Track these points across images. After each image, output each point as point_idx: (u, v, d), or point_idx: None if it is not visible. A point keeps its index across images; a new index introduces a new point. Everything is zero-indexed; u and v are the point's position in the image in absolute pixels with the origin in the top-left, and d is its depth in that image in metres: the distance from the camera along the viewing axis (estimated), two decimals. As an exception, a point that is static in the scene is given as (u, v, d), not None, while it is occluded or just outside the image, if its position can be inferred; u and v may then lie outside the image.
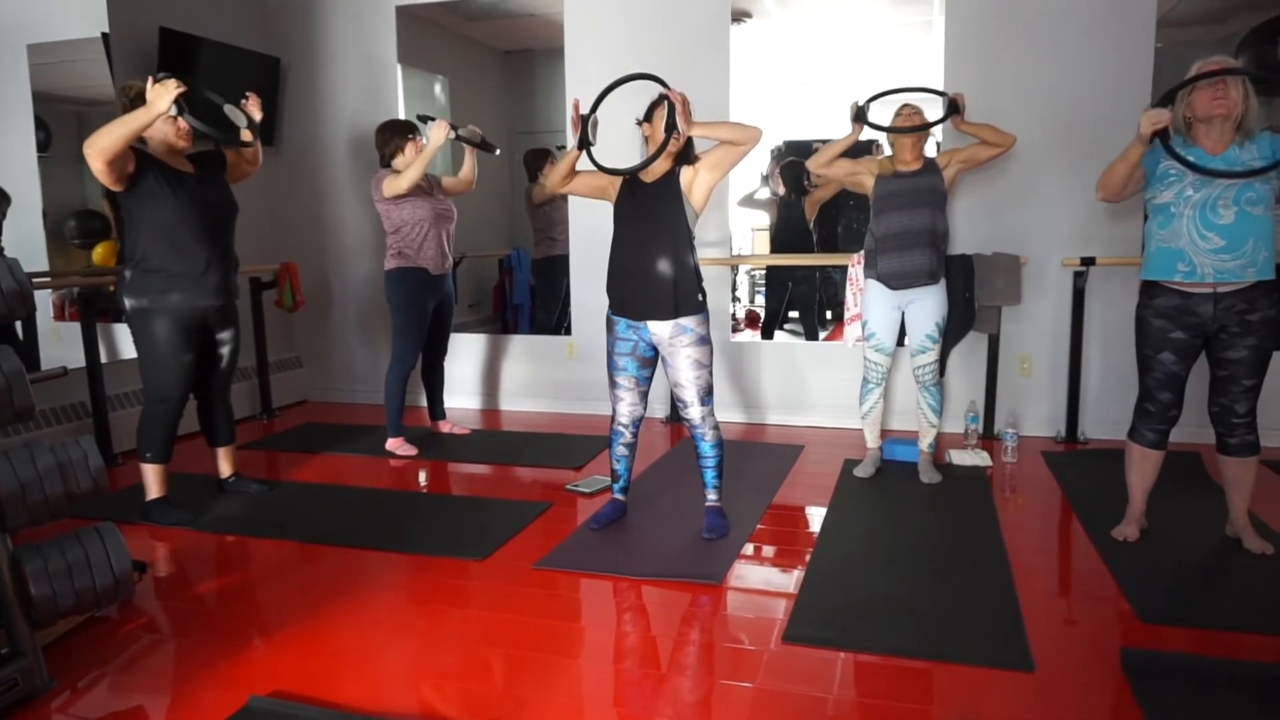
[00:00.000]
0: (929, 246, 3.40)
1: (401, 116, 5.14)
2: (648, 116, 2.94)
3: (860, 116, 3.52)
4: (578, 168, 2.92)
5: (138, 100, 3.00)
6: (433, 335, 4.26)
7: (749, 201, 6.42)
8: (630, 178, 2.94)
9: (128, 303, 3.09)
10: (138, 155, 3.02)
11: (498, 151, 4.25)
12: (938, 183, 3.43)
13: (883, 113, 3.60)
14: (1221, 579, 2.64)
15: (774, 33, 6.53)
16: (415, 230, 4.01)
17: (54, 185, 4.43)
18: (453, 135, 3.97)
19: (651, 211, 2.90)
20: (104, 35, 4.22)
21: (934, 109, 3.68)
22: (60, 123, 4.42)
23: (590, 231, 4.79)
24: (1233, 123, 2.52)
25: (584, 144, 2.80)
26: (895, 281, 3.47)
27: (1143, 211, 4.14)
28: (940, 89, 3.44)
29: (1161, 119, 2.49)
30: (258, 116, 3.30)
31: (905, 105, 3.48)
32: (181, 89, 2.86)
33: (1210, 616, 2.38)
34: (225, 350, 3.36)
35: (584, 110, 2.83)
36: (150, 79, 2.89)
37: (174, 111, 2.91)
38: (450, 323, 4.38)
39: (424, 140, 4.01)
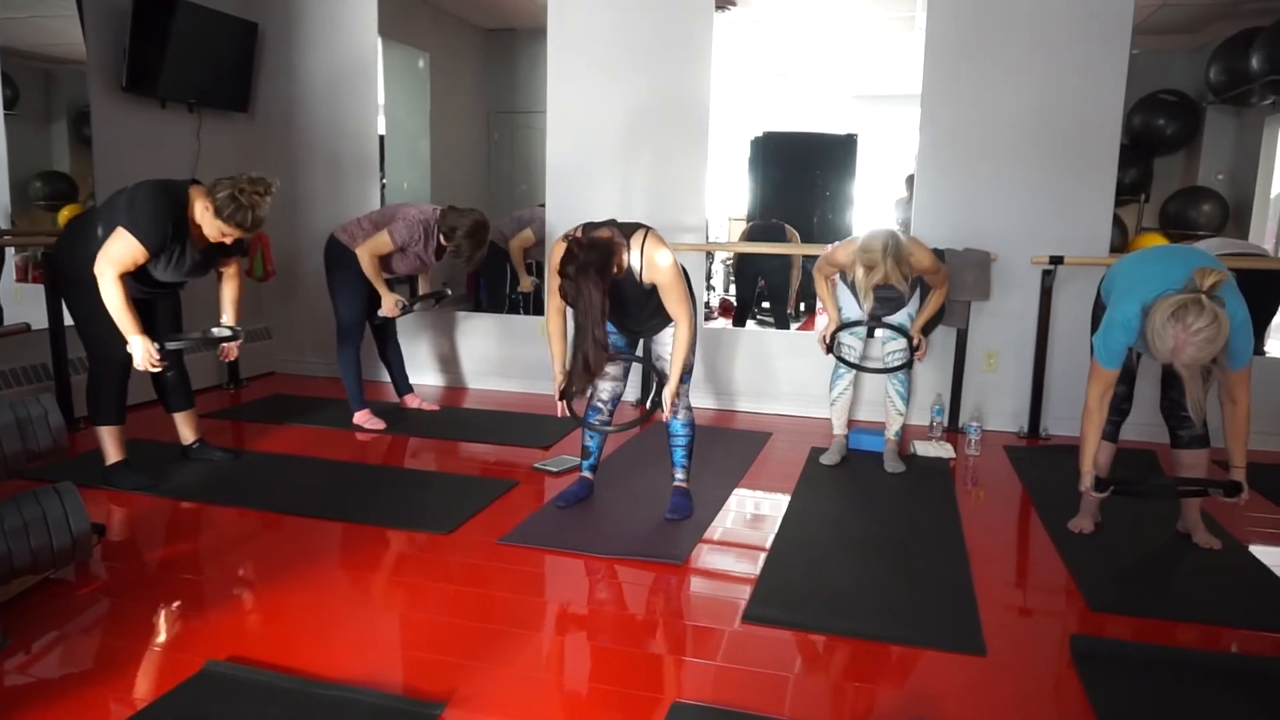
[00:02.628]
0: (902, 310, 3.54)
1: (380, 91, 5.11)
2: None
3: (830, 349, 3.58)
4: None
5: (234, 201, 2.94)
6: (375, 312, 4.24)
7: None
8: None
9: (100, 265, 3.02)
10: (176, 230, 3.00)
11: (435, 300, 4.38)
12: (907, 291, 3.43)
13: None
14: (1170, 572, 2.71)
15: (757, 22, 6.53)
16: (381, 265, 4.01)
17: (19, 145, 4.33)
18: (384, 313, 4.08)
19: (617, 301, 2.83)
20: (76, -9, 4.12)
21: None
22: (28, 80, 4.32)
23: (568, 208, 4.78)
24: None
25: (573, 413, 2.95)
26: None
27: (1111, 214, 4.23)
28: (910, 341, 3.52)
29: (1094, 501, 2.88)
30: (221, 346, 3.38)
31: (879, 275, 3.23)
32: (147, 368, 3.02)
33: (1157, 607, 2.45)
34: (163, 310, 3.32)
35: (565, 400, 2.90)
36: (155, 350, 3.01)
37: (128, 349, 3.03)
38: None
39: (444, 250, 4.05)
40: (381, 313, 4.06)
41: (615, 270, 2.69)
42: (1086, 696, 1.98)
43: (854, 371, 3.67)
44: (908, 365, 3.59)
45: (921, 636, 2.23)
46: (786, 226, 6.20)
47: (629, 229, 2.77)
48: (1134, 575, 2.66)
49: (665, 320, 2.93)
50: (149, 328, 3.28)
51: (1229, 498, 2.59)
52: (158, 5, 4.36)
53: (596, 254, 2.61)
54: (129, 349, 3.00)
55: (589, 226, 2.76)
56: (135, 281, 3.06)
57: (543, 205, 5.02)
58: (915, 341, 3.50)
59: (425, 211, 3.97)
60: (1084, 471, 2.70)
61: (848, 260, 3.36)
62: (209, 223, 2.99)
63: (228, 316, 3.35)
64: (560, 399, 2.89)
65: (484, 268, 5.76)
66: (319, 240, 5.27)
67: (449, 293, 4.40)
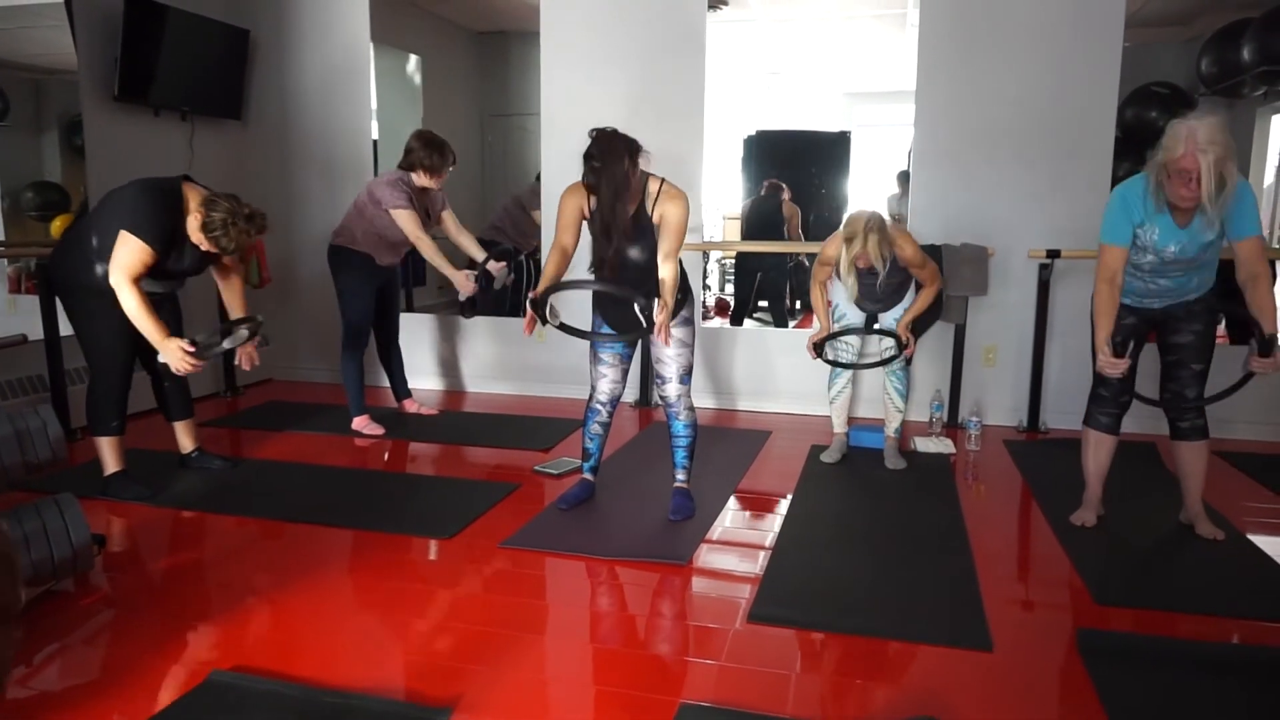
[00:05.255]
0: (897, 305, 3.55)
1: (373, 96, 5.09)
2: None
3: (818, 350, 3.52)
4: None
5: (229, 223, 2.96)
6: (381, 315, 4.23)
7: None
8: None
9: (99, 269, 3.01)
10: (174, 227, 3.00)
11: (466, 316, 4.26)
12: (903, 277, 3.44)
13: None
14: (1174, 563, 2.71)
15: (749, 21, 6.54)
16: (378, 237, 3.97)
17: (11, 155, 4.32)
18: (464, 296, 3.99)
19: (625, 243, 2.82)
20: (66, 1, 4.10)
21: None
22: (18, 91, 4.31)
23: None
24: (1194, 211, 2.52)
25: (545, 322, 2.73)
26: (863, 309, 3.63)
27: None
28: (894, 335, 3.49)
29: (1117, 371, 2.64)
30: (237, 352, 3.28)
31: (862, 255, 3.23)
32: (187, 371, 2.97)
33: (1162, 598, 2.45)
34: (164, 318, 3.28)
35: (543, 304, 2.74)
36: (187, 344, 2.97)
37: (160, 359, 3.00)
38: (397, 302, 4.35)
39: (444, 175, 3.95)
40: (462, 295, 3.98)
41: (635, 170, 2.69)
42: (1095, 689, 1.97)
43: (852, 370, 3.67)
44: (898, 358, 3.55)
45: (927, 633, 2.23)
46: (783, 188, 6.24)
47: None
48: (1138, 568, 2.66)
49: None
50: (152, 349, 3.26)
51: (1264, 356, 2.47)
52: (149, 14, 4.35)
53: (623, 141, 2.66)
54: (161, 358, 2.97)
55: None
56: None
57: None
58: (904, 339, 3.48)
59: (386, 175, 3.92)
60: (1100, 346, 2.62)
61: (834, 250, 3.36)
62: (195, 230, 3.01)
63: (239, 314, 3.30)
64: (533, 308, 2.72)
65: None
66: (314, 245, 5.26)
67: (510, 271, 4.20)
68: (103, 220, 3.00)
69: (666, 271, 2.78)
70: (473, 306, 4.14)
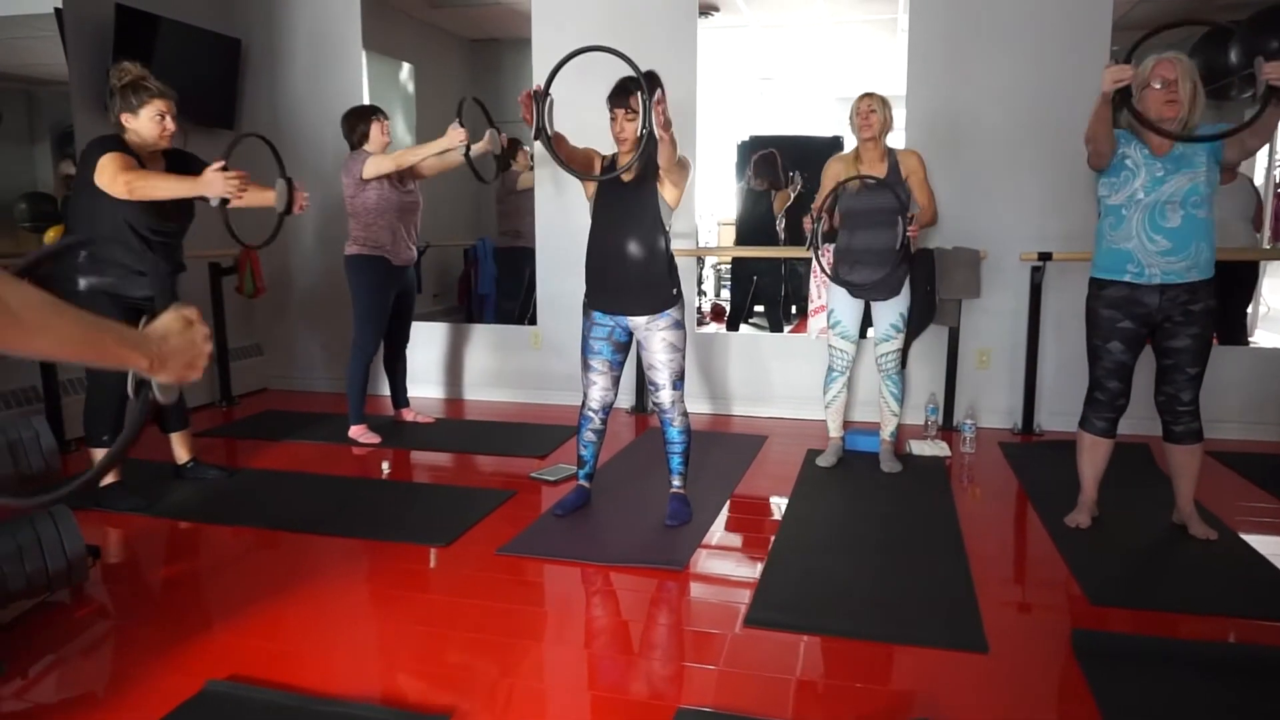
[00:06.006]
0: (891, 263, 3.45)
1: (366, 103, 5.09)
2: (621, 104, 2.83)
3: (813, 241, 3.54)
4: (534, 159, 2.78)
5: (128, 90, 2.94)
6: (394, 323, 4.23)
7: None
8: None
9: (82, 282, 3.02)
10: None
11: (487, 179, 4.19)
12: (900, 196, 3.43)
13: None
14: (1168, 563, 2.72)
15: (740, 27, 6.56)
16: (377, 219, 3.98)
17: (3, 167, 4.30)
18: (462, 150, 3.89)
19: (629, 209, 2.88)
20: (57, 11, 4.10)
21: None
22: (10, 102, 4.29)
23: (557, 224, 4.77)
24: (1179, 123, 2.58)
25: (540, 131, 2.60)
26: (857, 292, 3.57)
27: (1097, 209, 4.25)
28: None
29: (1123, 75, 2.44)
30: (292, 205, 3.29)
31: (865, 99, 3.51)
32: (238, 195, 2.98)
33: (1157, 599, 2.46)
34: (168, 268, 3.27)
35: (544, 93, 2.62)
36: (220, 164, 2.96)
37: (215, 204, 2.99)
38: (411, 311, 4.35)
39: (387, 122, 4.05)
40: (455, 149, 3.90)
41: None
42: (1090, 690, 1.98)
43: (848, 374, 3.67)
44: (905, 243, 3.46)
45: (923, 636, 2.24)
46: (776, 157, 6.28)
47: None
48: (1132, 568, 2.67)
49: (657, 301, 2.92)
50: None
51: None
52: (140, 24, 4.35)
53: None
54: (211, 198, 2.96)
55: None
56: (124, 278, 3.04)
57: None
58: (909, 215, 3.40)
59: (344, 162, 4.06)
60: (1103, 85, 2.49)
61: (837, 167, 3.55)
62: (141, 124, 2.99)
63: (260, 193, 3.24)
64: (536, 101, 2.65)
65: (502, 270, 5.78)
66: (308, 255, 5.28)
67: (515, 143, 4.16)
68: (79, 221, 3.02)
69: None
70: (479, 159, 4.01)
